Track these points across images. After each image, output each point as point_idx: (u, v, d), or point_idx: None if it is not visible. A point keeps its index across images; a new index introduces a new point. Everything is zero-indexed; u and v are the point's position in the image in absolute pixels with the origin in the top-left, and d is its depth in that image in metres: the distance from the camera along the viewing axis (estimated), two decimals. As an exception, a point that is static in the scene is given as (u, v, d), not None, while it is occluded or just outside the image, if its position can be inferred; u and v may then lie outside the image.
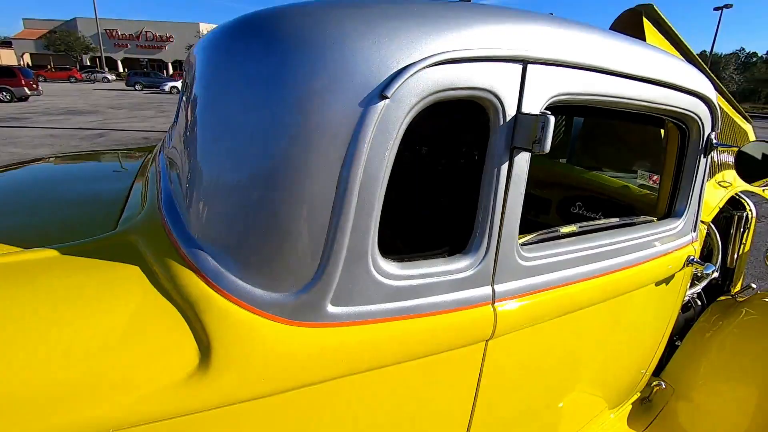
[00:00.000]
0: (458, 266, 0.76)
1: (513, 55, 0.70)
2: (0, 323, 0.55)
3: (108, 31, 51.67)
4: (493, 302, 0.80)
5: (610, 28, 1.59)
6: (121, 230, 0.78)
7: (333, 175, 0.61)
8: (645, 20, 1.55)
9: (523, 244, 0.85)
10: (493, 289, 0.80)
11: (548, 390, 1.09)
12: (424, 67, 0.62)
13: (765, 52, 62.52)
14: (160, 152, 1.20)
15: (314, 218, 0.62)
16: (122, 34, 53.14)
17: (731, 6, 35.18)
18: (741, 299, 1.77)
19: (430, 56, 0.62)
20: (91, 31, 48.10)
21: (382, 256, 0.69)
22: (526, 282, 0.85)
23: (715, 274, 2.03)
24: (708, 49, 42.61)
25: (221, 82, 0.71)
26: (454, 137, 1.04)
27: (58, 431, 0.52)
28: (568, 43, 0.77)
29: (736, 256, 2.11)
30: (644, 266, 1.09)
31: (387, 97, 0.60)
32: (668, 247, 1.17)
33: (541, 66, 0.74)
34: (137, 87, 31.30)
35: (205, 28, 51.88)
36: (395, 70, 0.61)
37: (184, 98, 0.89)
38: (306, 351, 0.64)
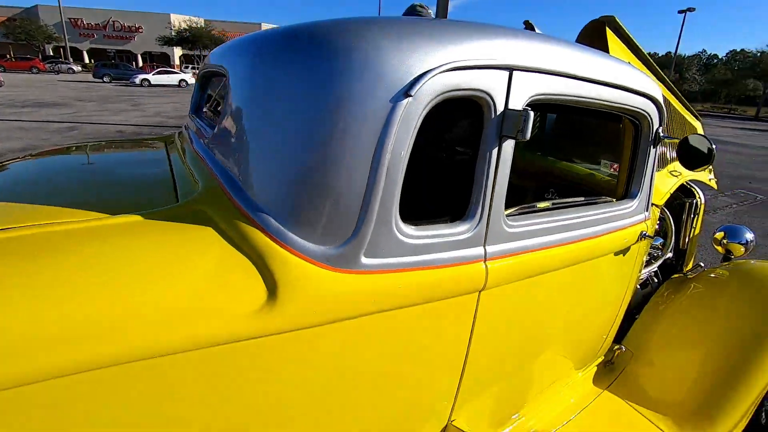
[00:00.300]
0: (458, 230, 0.96)
1: (502, 64, 0.90)
2: (121, 267, 0.71)
3: (72, 20, 48.98)
4: (485, 260, 1.00)
5: (578, 37, 1.83)
6: (185, 202, 0.94)
7: (368, 157, 0.79)
8: (608, 30, 1.78)
9: (508, 215, 1.05)
10: (485, 249, 1.00)
11: (527, 344, 1.30)
12: (437, 73, 0.81)
13: (725, 54, 65.64)
14: (191, 140, 1.35)
15: (353, 190, 0.80)
16: (88, 24, 50.50)
17: (694, 9, 36.79)
18: (691, 276, 2.01)
19: (441, 65, 0.82)
20: (54, 19, 45.57)
21: (402, 220, 0.88)
22: (510, 245, 1.05)
23: (669, 254, 2.31)
24: (672, 51, 44.42)
25: (274, 82, 0.88)
26: (456, 128, 1.24)
27: (168, 346, 0.69)
28: (544, 55, 0.97)
29: (687, 238, 2.39)
30: (605, 237, 1.31)
31: (410, 96, 0.79)
32: (625, 223, 1.39)
33: (524, 72, 0.94)
34: (105, 79, 30.11)
35: (176, 19, 49.81)
36: (416, 75, 0.80)
37: (228, 93, 1.05)
38: (345, 291, 0.82)
